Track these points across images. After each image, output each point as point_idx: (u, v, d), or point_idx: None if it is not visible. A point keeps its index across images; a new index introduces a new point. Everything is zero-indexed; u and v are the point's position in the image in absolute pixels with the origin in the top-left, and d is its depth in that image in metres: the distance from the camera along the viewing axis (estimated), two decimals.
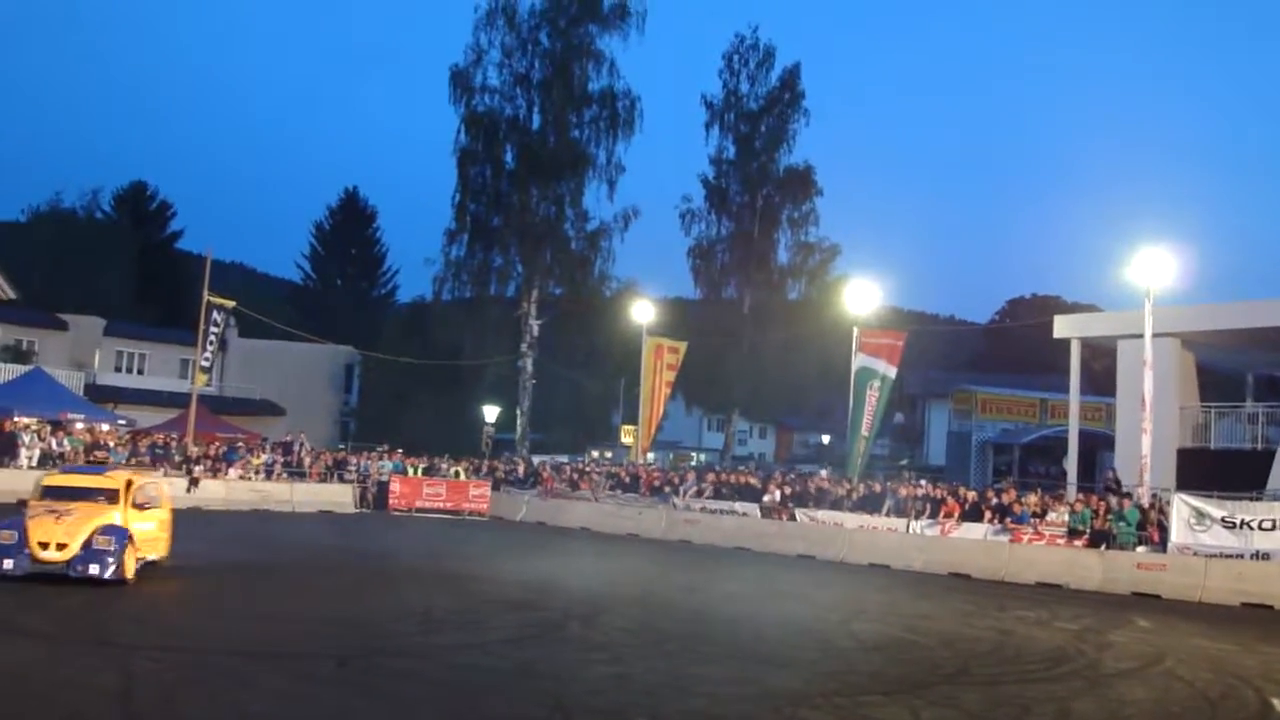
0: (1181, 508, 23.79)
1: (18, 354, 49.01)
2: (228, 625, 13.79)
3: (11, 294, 43.20)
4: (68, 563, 15.68)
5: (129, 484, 17.33)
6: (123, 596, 15.29)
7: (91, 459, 33.00)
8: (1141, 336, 26.79)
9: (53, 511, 16.25)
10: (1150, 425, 26.27)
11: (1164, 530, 24.14)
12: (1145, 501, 25.47)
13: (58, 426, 34.95)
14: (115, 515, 16.49)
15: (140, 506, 17.27)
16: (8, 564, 15.56)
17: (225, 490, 34.17)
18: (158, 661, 11.12)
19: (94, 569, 15.71)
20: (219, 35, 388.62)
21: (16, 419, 34.21)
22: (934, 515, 28.40)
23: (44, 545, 15.72)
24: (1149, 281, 26.84)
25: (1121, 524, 24.80)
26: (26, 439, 32.54)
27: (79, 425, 36.15)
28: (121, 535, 16.18)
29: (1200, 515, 23.51)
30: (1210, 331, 31.42)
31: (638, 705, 10.46)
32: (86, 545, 15.82)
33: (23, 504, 16.97)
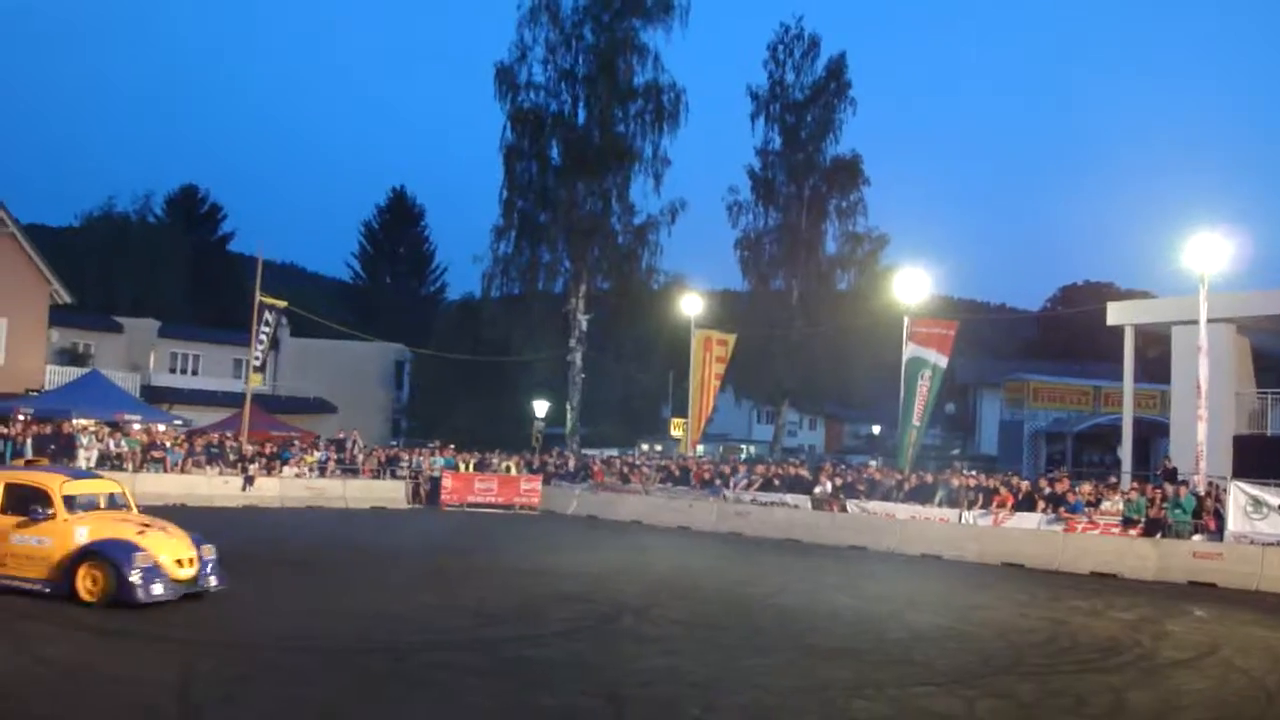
0: (1238, 495, 23.49)
1: (75, 357, 49.79)
2: (283, 621, 13.95)
3: (68, 298, 43.86)
4: (195, 580, 14.67)
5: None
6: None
7: (149, 458, 33.53)
8: (1196, 323, 26.48)
9: (145, 525, 14.81)
10: (1206, 412, 25.97)
11: (1220, 518, 23.86)
12: (1201, 489, 25.19)
13: (115, 428, 35.50)
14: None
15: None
16: (157, 589, 13.98)
17: (280, 488, 34.58)
18: (215, 657, 11.28)
19: (214, 581, 14.97)
20: (265, 37, 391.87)
21: (75, 421, 34.77)
22: (986, 505, 28.22)
23: (179, 564, 14.49)
24: (1203, 267, 26.50)
25: (1177, 512, 24.54)
26: (85, 440, 33.05)
27: (135, 426, 36.69)
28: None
29: (1257, 503, 23.21)
30: (1266, 317, 31.01)
31: (690, 697, 10.51)
32: (201, 558, 14.88)
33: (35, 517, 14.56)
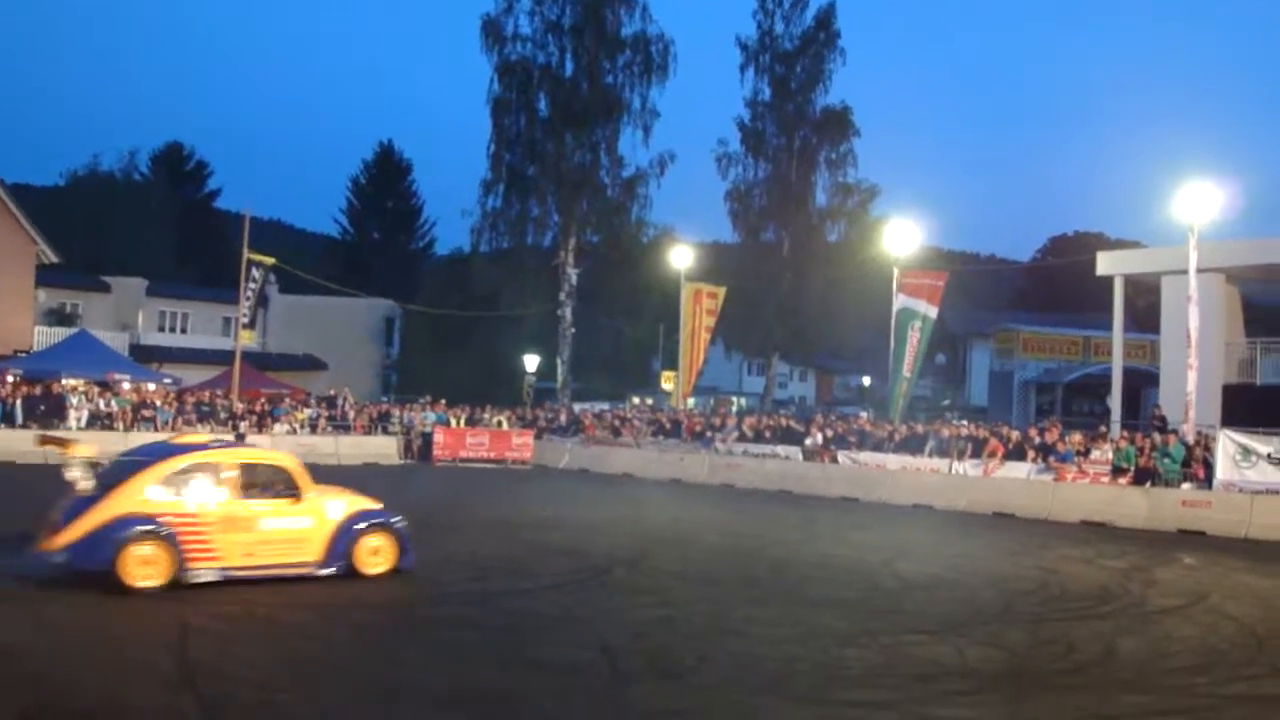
0: (1227, 444, 23.62)
1: (63, 317, 49.63)
2: (277, 578, 13.96)
3: (54, 258, 43.63)
4: None
5: None
6: None
7: (139, 417, 33.50)
8: (1186, 272, 26.50)
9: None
10: (1195, 362, 26.03)
11: (1209, 467, 23.98)
12: (1190, 438, 25.30)
13: (105, 387, 35.41)
14: None
15: None
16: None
17: (271, 445, 34.52)
18: (212, 615, 11.31)
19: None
20: None
21: (64, 381, 34.68)
22: (977, 455, 28.34)
23: None
24: (1193, 216, 26.48)
25: (1166, 461, 24.66)
26: (74, 400, 33.01)
27: (125, 385, 36.59)
28: None
29: (1246, 451, 23.33)
30: (1256, 266, 31.01)
31: (684, 647, 10.57)
32: None
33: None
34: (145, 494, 12.62)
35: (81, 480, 12.79)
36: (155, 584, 12.21)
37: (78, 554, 12.15)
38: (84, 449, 13.18)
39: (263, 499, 13.35)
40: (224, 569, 12.77)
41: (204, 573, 12.61)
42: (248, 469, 13.43)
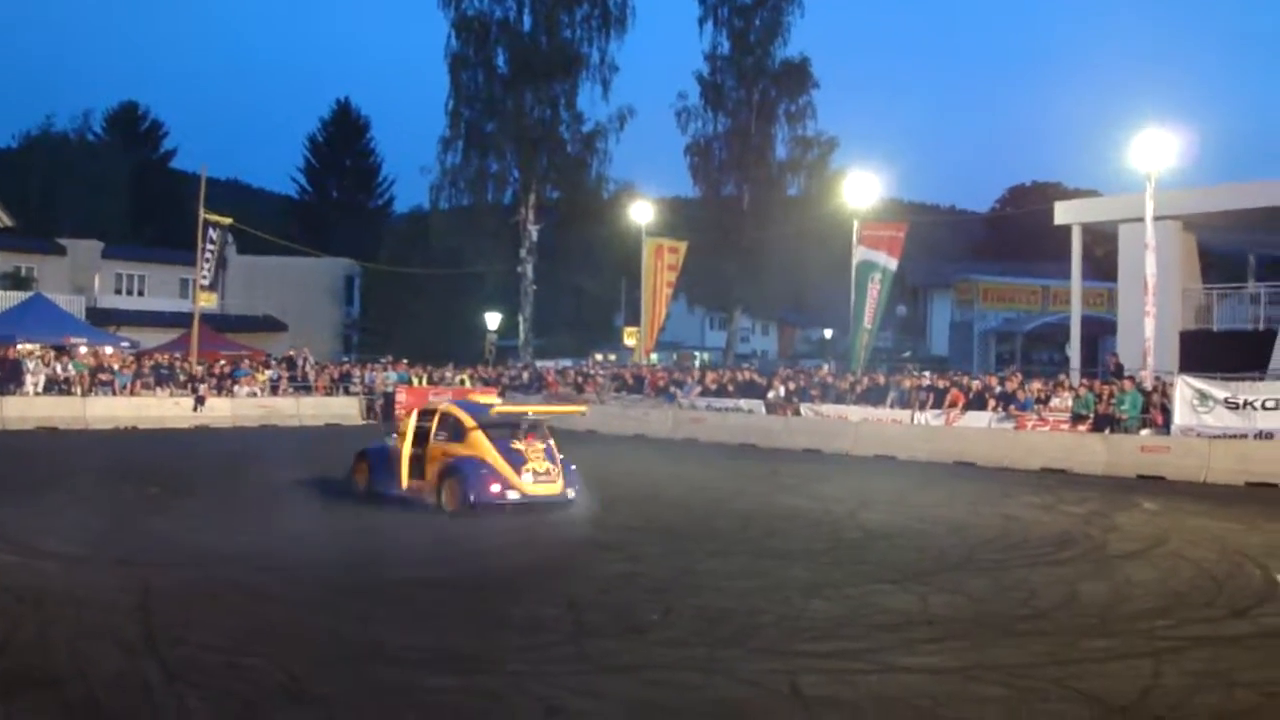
0: (1185, 390, 23.84)
1: (17, 280, 49.03)
2: (245, 542, 13.92)
3: (8, 221, 43.10)
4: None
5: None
6: (145, 518, 15.47)
7: (97, 381, 33.19)
8: (1142, 220, 26.66)
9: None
10: (1153, 309, 26.24)
11: (1167, 413, 24.21)
12: (1149, 385, 25.54)
13: (61, 351, 35.08)
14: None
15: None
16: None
17: (232, 408, 34.38)
18: (176, 579, 11.26)
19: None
20: None
21: (20, 346, 34.31)
22: (938, 405, 28.52)
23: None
24: (1150, 165, 26.59)
25: (1124, 407, 24.89)
26: (31, 365, 32.65)
27: (83, 349, 36.30)
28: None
29: (1203, 397, 23.57)
30: (1212, 213, 31.27)
31: (648, 602, 10.61)
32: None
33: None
34: None
35: None
36: None
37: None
38: None
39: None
40: None
41: None
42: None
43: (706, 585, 11.49)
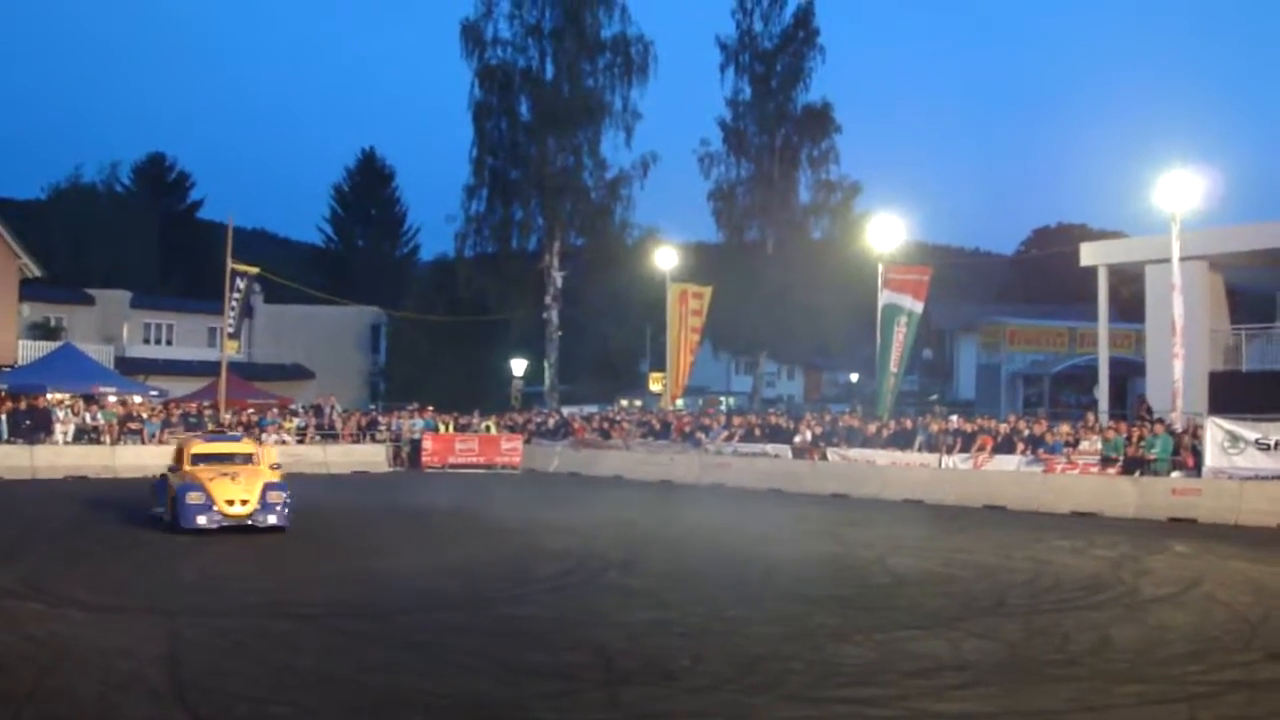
0: (1215, 431, 23.66)
1: (47, 331, 49.50)
2: (271, 588, 13.93)
3: (38, 272, 43.45)
4: (250, 516, 18.46)
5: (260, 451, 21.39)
6: (168, 563, 15.50)
7: (126, 430, 33.38)
8: (1169, 261, 26.57)
9: (224, 474, 18.95)
10: (1181, 350, 26.10)
11: (1198, 455, 24.03)
12: (1179, 427, 25.35)
13: (91, 400, 35.30)
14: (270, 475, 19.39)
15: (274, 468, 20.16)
16: (201, 520, 18.17)
17: None
18: (203, 627, 11.26)
19: (271, 519, 18.58)
20: (226, 1, 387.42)
21: (50, 395, 34.55)
22: (966, 449, 28.38)
23: (230, 502, 18.38)
24: (1175, 205, 26.53)
25: (1155, 450, 24.70)
26: (61, 414, 32.88)
27: (112, 398, 36.50)
28: (284, 489, 18.96)
29: (1234, 438, 23.37)
30: (1239, 253, 31.15)
31: (679, 648, 10.54)
32: (262, 500, 18.57)
33: (172, 470, 19.80)
34: None
35: None
36: None
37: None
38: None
39: None
40: None
41: None
42: None
43: (736, 631, 11.42)
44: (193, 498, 18.29)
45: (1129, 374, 38.78)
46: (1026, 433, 27.91)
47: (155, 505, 20.21)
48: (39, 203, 70.98)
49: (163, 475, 20.29)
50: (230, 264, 37.52)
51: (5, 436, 31.61)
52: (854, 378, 67.58)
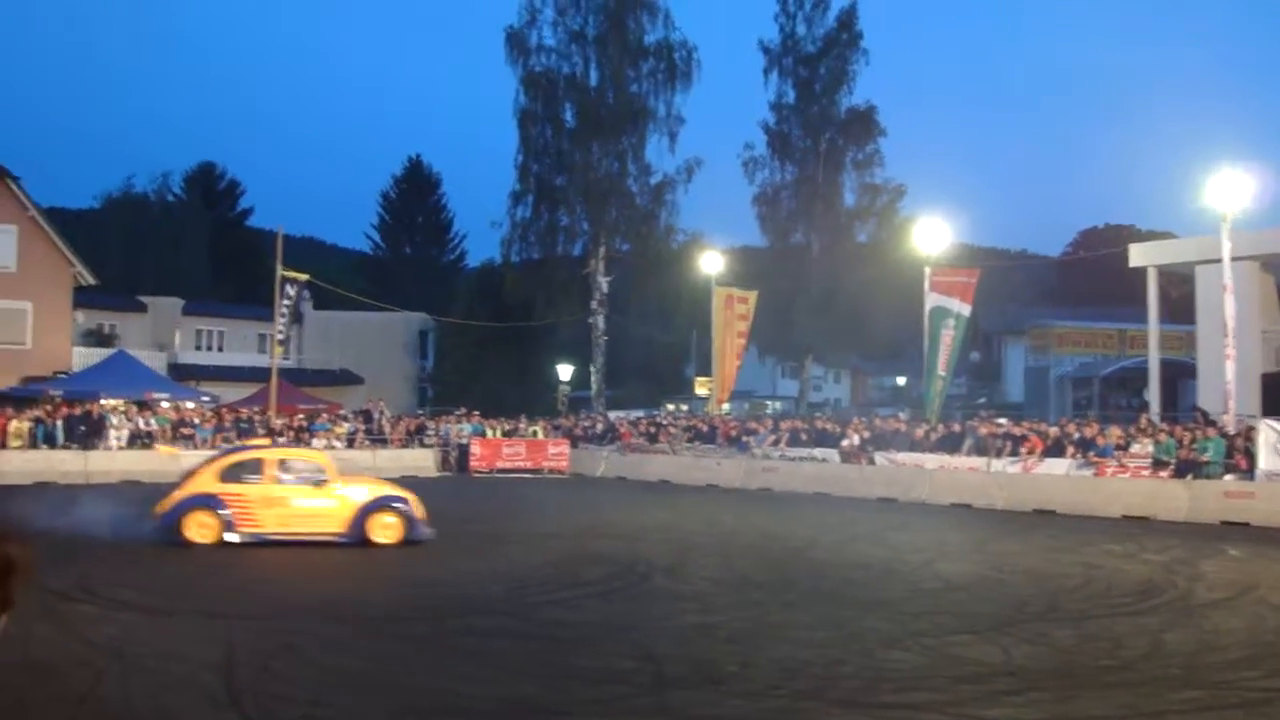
0: (1268, 433, 23.40)
1: (101, 338, 50.15)
2: (320, 592, 14.06)
3: (91, 280, 44.08)
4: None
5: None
6: (221, 568, 15.65)
7: (179, 435, 33.77)
8: (1219, 262, 26.29)
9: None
10: (1233, 351, 25.82)
11: (1251, 457, 23.76)
12: (1231, 429, 25.07)
13: (143, 407, 35.72)
14: None
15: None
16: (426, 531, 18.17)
17: None
18: (255, 631, 11.38)
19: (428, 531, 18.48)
20: (276, 10, 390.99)
21: (103, 401, 35.01)
22: (1015, 452, 28.17)
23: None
24: (1226, 205, 26.27)
25: (1208, 454, 24.43)
26: (115, 420, 33.30)
27: (164, 404, 36.93)
28: None
29: None
30: None
31: (727, 653, 10.55)
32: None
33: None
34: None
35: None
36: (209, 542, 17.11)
37: (164, 519, 17.41)
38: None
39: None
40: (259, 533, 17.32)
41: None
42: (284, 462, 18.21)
43: (784, 636, 11.41)
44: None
45: (1179, 376, 38.37)
46: (1077, 436, 27.69)
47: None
48: (93, 211, 72.07)
49: None
50: (280, 271, 37.87)
51: (60, 441, 32.07)
52: (901, 381, 67.28)
